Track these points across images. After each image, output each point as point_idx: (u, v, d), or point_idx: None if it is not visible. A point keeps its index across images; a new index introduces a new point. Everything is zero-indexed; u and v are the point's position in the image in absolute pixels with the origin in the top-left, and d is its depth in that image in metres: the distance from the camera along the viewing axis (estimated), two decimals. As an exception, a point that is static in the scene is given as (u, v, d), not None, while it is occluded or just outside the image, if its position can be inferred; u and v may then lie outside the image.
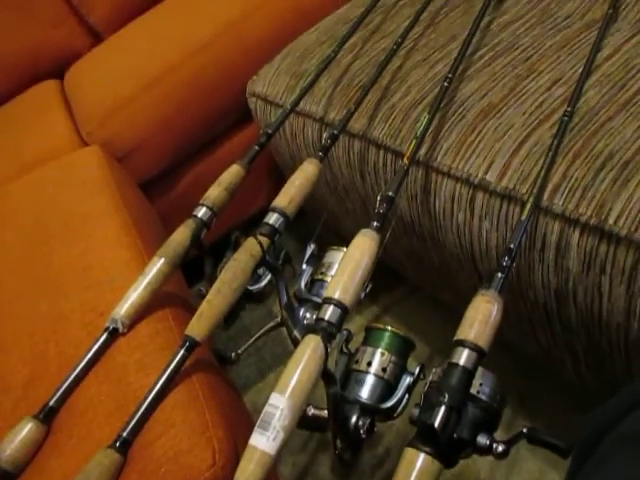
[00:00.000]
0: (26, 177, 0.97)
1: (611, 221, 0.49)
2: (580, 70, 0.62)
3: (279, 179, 1.15)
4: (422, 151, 0.67)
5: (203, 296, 0.61)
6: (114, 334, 0.55)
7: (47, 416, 0.51)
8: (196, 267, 0.73)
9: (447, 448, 0.41)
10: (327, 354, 0.45)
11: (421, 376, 0.53)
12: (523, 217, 0.51)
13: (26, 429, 0.49)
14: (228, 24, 1.11)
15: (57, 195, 0.87)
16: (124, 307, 0.55)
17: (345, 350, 0.56)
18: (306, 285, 0.63)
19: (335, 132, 0.67)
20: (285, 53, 1.03)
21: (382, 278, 0.53)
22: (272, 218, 0.59)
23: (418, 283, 0.96)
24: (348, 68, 0.87)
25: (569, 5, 0.74)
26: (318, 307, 0.48)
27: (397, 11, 0.94)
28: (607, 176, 0.51)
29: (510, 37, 0.74)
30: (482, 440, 0.43)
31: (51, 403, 0.51)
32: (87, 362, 0.54)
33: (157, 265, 0.58)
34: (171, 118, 1.05)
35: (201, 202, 0.64)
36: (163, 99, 1.05)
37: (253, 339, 0.66)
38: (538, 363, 0.75)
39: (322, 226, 0.70)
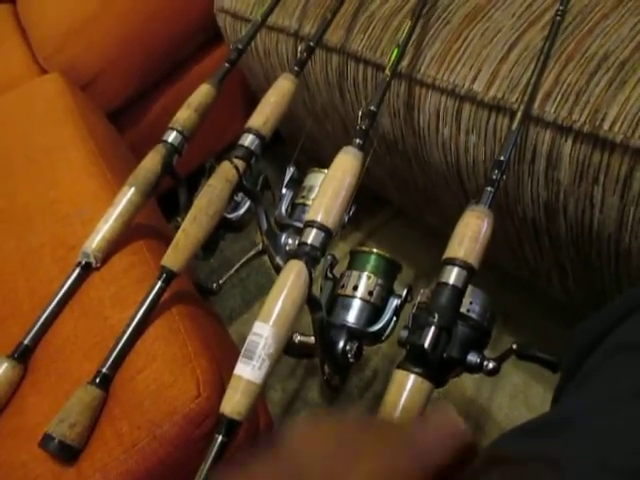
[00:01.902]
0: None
1: (606, 127, 0.47)
2: (572, -35, 0.57)
3: (254, 104, 1.09)
4: (404, 62, 0.63)
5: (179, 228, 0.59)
6: (87, 269, 0.52)
7: (22, 355, 0.49)
8: (175, 201, 0.70)
9: (437, 368, 0.40)
10: (311, 279, 0.43)
11: (408, 298, 0.52)
12: (513, 127, 0.48)
13: (1, 370, 0.47)
14: None
15: (17, 127, 0.82)
16: (95, 240, 0.52)
17: (330, 275, 0.54)
18: (287, 210, 0.60)
19: (311, 44, 0.62)
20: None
21: (365, 202, 0.51)
22: (247, 139, 0.55)
23: (402, 206, 0.93)
24: (322, -24, 0.80)
25: None
26: (300, 232, 0.46)
27: None
28: (602, 79, 0.48)
29: None
30: (472, 358, 0.43)
31: (26, 342, 0.49)
32: (60, 298, 0.51)
33: (127, 195, 0.54)
34: (135, 37, 0.98)
35: (170, 126, 0.60)
36: (124, 17, 0.97)
37: (234, 269, 0.64)
38: (523, 280, 0.75)
39: (301, 150, 0.66)
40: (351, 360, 0.49)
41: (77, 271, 0.52)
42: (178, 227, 0.59)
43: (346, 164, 0.47)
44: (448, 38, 0.61)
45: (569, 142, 0.49)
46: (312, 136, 0.93)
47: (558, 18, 0.53)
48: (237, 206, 0.63)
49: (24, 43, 1.11)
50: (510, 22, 0.57)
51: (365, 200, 0.50)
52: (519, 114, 0.49)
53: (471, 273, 0.41)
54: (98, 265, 0.53)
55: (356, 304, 0.51)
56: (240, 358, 0.40)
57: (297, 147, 0.66)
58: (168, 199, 0.68)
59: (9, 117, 0.86)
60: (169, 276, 0.48)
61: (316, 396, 0.93)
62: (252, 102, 1.06)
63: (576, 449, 0.26)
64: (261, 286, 1.08)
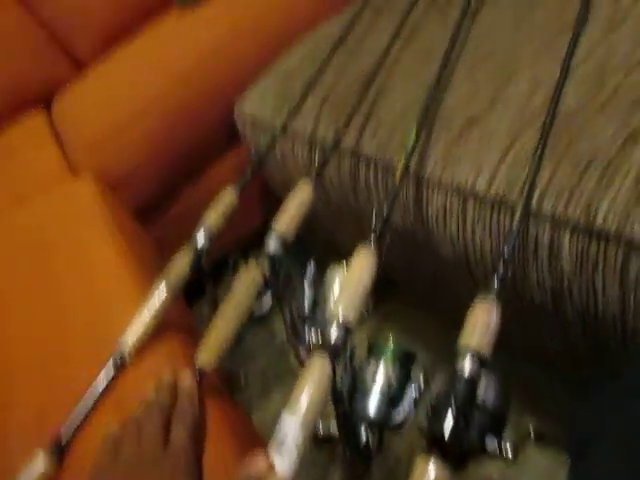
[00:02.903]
0: (20, 213, 0.97)
1: (599, 220, 0.51)
2: (558, 73, 0.63)
3: (272, 197, 1.16)
4: (412, 163, 0.68)
5: (206, 318, 0.63)
6: (121, 365, 0.56)
7: (58, 451, 0.51)
8: (195, 287, 0.74)
9: (457, 456, 0.42)
10: (334, 374, 0.46)
11: (425, 386, 0.54)
12: (514, 225, 0.52)
13: (39, 466, 0.50)
14: (212, 49, 1.12)
15: (53, 230, 0.88)
16: (129, 337, 0.56)
17: (350, 367, 0.57)
18: (309, 305, 0.64)
19: (327, 152, 0.68)
20: (269, 74, 1.04)
21: (380, 287, 0.54)
22: (271, 243, 0.60)
23: (414, 291, 0.97)
24: (333, 86, 0.88)
25: (541, 11, 0.76)
26: (322, 326, 0.49)
27: (375, 27, 0.95)
28: (592, 176, 0.53)
29: (487, 45, 0.76)
30: (491, 444, 0.44)
31: (62, 437, 0.52)
32: (95, 395, 0.54)
33: (159, 293, 0.59)
34: (161, 145, 1.07)
35: (197, 228, 0.65)
36: (152, 127, 1.06)
37: (260, 361, 0.67)
38: (533, 358, 0.76)
39: (320, 244, 0.71)
40: (373, 450, 0.51)
41: (111, 368, 0.56)
42: (202, 316, 0.63)
43: (362, 264, 0.52)
44: (450, 141, 0.66)
45: (567, 235, 0.53)
46: (330, 229, 0.99)
47: (548, 122, 0.58)
48: (260, 300, 0.67)
49: (58, 147, 1.21)
50: (505, 126, 0.63)
51: (381, 285, 0.54)
52: (518, 211, 0.53)
53: (483, 362, 0.44)
54: (131, 361, 0.56)
55: (375, 394, 0.54)
56: (272, 449, 0.42)
57: (316, 242, 0.71)
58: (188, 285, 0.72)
59: (45, 220, 0.92)
60: (201, 375, 0.51)
61: (339, 484, 0.92)
62: (271, 196, 1.14)
63: None
64: (280, 375, 1.10)
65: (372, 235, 0.54)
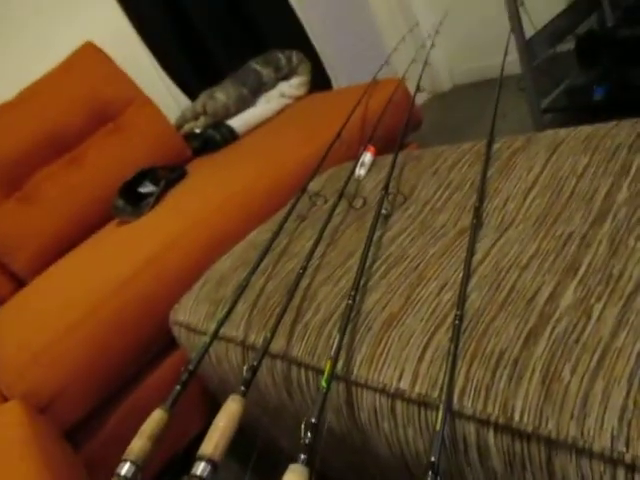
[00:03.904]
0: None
1: (517, 418, 0.52)
2: (461, 274, 0.70)
3: (211, 403, 1.14)
4: (339, 365, 0.70)
5: None
6: None
7: None
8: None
9: None
10: None
11: None
12: (437, 427, 0.53)
13: None
14: (147, 259, 1.17)
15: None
16: None
17: None
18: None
19: (254, 364, 0.70)
20: (203, 281, 1.09)
21: None
22: (199, 468, 0.58)
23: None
24: (262, 291, 0.93)
25: (442, 216, 0.86)
26: None
27: (300, 233, 1.04)
28: (503, 374, 0.56)
29: (399, 249, 0.83)
30: None
31: None
32: None
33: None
34: (94, 359, 1.05)
35: (124, 457, 0.62)
36: (85, 341, 1.06)
37: None
38: None
39: (259, 449, 0.69)
40: None
41: None
42: None
43: (292, 485, 0.50)
44: (372, 342, 0.69)
45: (491, 433, 0.55)
46: (268, 431, 0.96)
47: (457, 322, 0.63)
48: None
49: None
50: (420, 326, 0.67)
51: None
52: (440, 413, 0.54)
53: None
54: None
55: None
56: None
57: (255, 443, 0.68)
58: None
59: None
60: None
61: None
62: (209, 402, 1.11)
63: None
64: None
65: (302, 450, 0.53)
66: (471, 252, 0.72)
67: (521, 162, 0.86)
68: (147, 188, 1.61)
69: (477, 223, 0.77)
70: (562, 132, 0.89)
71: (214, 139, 1.81)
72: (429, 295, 0.71)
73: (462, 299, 0.65)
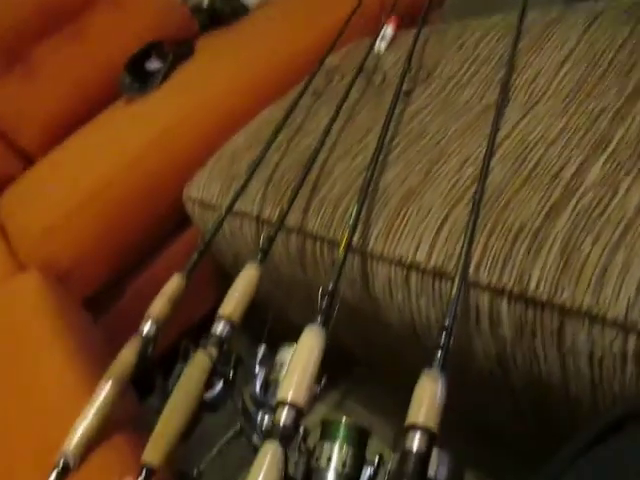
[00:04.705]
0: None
1: (532, 288, 0.53)
2: (484, 150, 0.68)
3: (224, 279, 1.16)
4: (355, 238, 0.70)
5: (156, 411, 0.61)
6: (65, 471, 0.53)
7: None
8: (147, 379, 0.72)
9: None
10: (287, 459, 0.46)
11: (381, 465, 0.53)
12: (453, 293, 0.54)
13: None
14: (156, 136, 1.15)
15: (-3, 326, 0.85)
16: (73, 440, 0.53)
17: (303, 448, 0.55)
18: (261, 387, 0.63)
19: (272, 233, 0.70)
20: (216, 157, 1.07)
21: (335, 364, 0.54)
22: (218, 328, 0.60)
23: (369, 364, 0.97)
24: (277, 167, 0.91)
25: (466, 92, 0.82)
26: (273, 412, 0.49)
27: (316, 110, 1.00)
28: (522, 246, 0.56)
29: (419, 125, 0.80)
30: (446, 524, 0.44)
31: None
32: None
33: (105, 390, 0.57)
34: (109, 232, 1.06)
35: (145, 317, 0.64)
36: (99, 215, 1.07)
37: (215, 451, 0.65)
38: (486, 430, 0.77)
39: (272, 322, 0.71)
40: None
41: (54, 476, 0.52)
42: (153, 409, 0.61)
43: (310, 342, 0.52)
44: (389, 216, 0.69)
45: (504, 302, 0.55)
46: (281, 305, 0.99)
47: (477, 196, 0.61)
48: (211, 386, 0.65)
49: (3, 241, 1.18)
50: (439, 200, 0.66)
51: (335, 361, 0.54)
52: (456, 281, 0.55)
53: (432, 437, 0.44)
54: (76, 466, 0.53)
55: (331, 476, 0.52)
56: None
57: (266, 322, 0.71)
58: (140, 378, 0.70)
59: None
60: (149, 473, 0.49)
61: None
62: (222, 279, 1.13)
63: None
64: (240, 463, 1.05)
65: (319, 312, 0.55)
66: (496, 127, 0.69)
67: (555, 34, 0.80)
68: (154, 65, 1.54)
69: (504, 98, 0.74)
70: (602, 2, 0.82)
71: (223, 12, 1.71)
72: (449, 170, 0.69)
73: (484, 173, 0.64)
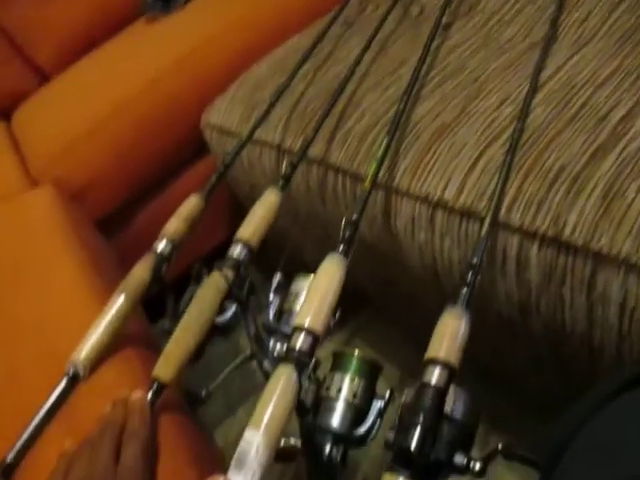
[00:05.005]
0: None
1: (567, 232, 0.50)
2: (526, 89, 0.64)
3: (238, 211, 1.14)
4: (380, 173, 0.68)
5: (167, 333, 0.60)
6: (75, 380, 0.52)
7: (5, 473, 0.48)
8: (157, 304, 0.71)
9: (425, 470, 0.40)
10: (300, 384, 0.45)
11: (392, 399, 0.52)
12: (483, 233, 0.52)
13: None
14: (178, 58, 1.11)
15: (8, 239, 0.84)
16: (84, 350, 0.53)
17: (313, 378, 0.55)
18: (274, 316, 0.62)
19: (295, 160, 0.67)
20: (238, 83, 1.03)
21: (346, 302, 0.53)
22: (236, 250, 0.58)
23: (382, 306, 0.96)
24: (302, 95, 0.88)
25: (510, 29, 0.77)
26: (288, 337, 0.47)
27: (346, 40, 0.95)
28: (560, 189, 0.53)
29: (457, 60, 0.76)
30: (459, 459, 0.43)
31: (8, 459, 0.48)
32: (46, 412, 0.51)
33: (117, 303, 0.56)
34: (125, 154, 1.04)
35: (160, 235, 0.62)
36: (116, 136, 1.04)
37: (224, 374, 0.64)
38: (503, 379, 0.76)
39: (288, 253, 0.69)
40: (337, 465, 0.49)
41: (64, 383, 0.52)
42: (164, 331, 0.60)
43: (331, 271, 0.50)
44: (419, 151, 0.66)
45: (535, 246, 0.53)
46: (295, 241, 0.97)
47: (516, 135, 0.58)
48: (223, 310, 0.64)
49: (17, 157, 1.16)
50: (474, 138, 0.63)
51: (347, 300, 0.52)
52: (487, 220, 0.53)
53: (452, 373, 0.43)
54: (86, 375, 0.53)
55: (340, 407, 0.52)
56: (231, 468, 0.40)
57: (281, 252, 0.69)
58: (151, 302, 0.69)
59: (1, 230, 0.88)
60: (160, 388, 0.48)
61: (303, 505, 0.89)
62: (236, 211, 1.12)
63: None
64: (245, 391, 1.06)
65: (341, 242, 0.53)
66: (540, 65, 0.65)
67: (612, -29, 0.75)
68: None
69: (551, 35, 0.69)
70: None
71: None
72: (487, 108, 0.66)
73: (525, 112, 0.60)
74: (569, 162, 0.54)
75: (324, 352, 0.64)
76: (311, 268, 0.57)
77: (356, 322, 1.06)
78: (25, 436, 0.49)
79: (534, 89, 0.63)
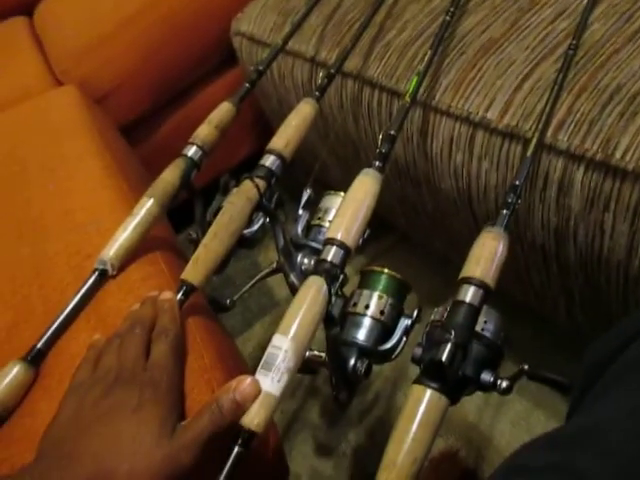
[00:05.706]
0: (-2, 119, 0.92)
1: (618, 156, 0.48)
2: (584, 2, 0.59)
3: (265, 126, 1.11)
4: (420, 89, 0.65)
5: (193, 241, 0.59)
6: (103, 276, 0.53)
7: (35, 359, 0.49)
8: (182, 213, 0.70)
9: (453, 384, 0.40)
10: (330, 295, 0.44)
11: (419, 318, 0.52)
12: (528, 153, 0.49)
13: (14, 372, 0.47)
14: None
15: (33, 137, 0.83)
16: (113, 248, 0.53)
17: (340, 293, 0.54)
18: (303, 230, 0.61)
19: (332, 71, 0.64)
20: (271, -10, 0.97)
21: (372, 226, 0.52)
22: (269, 160, 0.56)
23: (409, 231, 0.95)
24: (339, 4, 0.83)
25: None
26: (316, 253, 0.47)
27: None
28: (614, 110, 0.50)
29: (511, -30, 0.71)
30: (486, 377, 0.43)
31: (39, 345, 0.49)
32: (76, 304, 0.51)
33: (146, 206, 0.55)
34: (151, 57, 1.00)
35: (190, 141, 0.61)
36: (142, 36, 1.00)
37: (248, 286, 0.64)
38: (530, 309, 0.75)
39: (310, 173, 0.67)
40: (361, 377, 0.50)
41: (93, 278, 0.52)
42: (190, 239, 0.60)
43: (366, 185, 0.49)
44: (463, 67, 0.63)
45: (581, 170, 0.51)
46: (323, 161, 0.95)
47: (571, 52, 0.55)
48: (251, 222, 0.64)
49: (40, 55, 1.13)
50: (524, 54, 0.59)
51: (372, 224, 0.51)
52: (534, 141, 0.50)
53: (487, 292, 0.42)
54: (114, 273, 0.53)
55: (367, 322, 0.52)
56: (259, 370, 0.40)
57: (311, 170, 0.67)
58: (175, 212, 0.69)
59: (25, 127, 0.87)
60: (189, 290, 0.48)
61: (315, 417, 0.92)
62: (263, 123, 1.09)
63: (597, 461, 0.27)
64: (263, 306, 1.08)
65: (377, 157, 0.51)
66: (603, -22, 0.60)
67: None
68: None
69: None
70: None
71: None
72: (540, 22, 0.61)
73: (582, 27, 0.56)
74: (626, 82, 0.51)
75: (349, 271, 0.64)
76: (334, 187, 0.55)
77: (378, 248, 1.05)
78: (55, 325, 0.50)
79: (593, 2, 0.59)
